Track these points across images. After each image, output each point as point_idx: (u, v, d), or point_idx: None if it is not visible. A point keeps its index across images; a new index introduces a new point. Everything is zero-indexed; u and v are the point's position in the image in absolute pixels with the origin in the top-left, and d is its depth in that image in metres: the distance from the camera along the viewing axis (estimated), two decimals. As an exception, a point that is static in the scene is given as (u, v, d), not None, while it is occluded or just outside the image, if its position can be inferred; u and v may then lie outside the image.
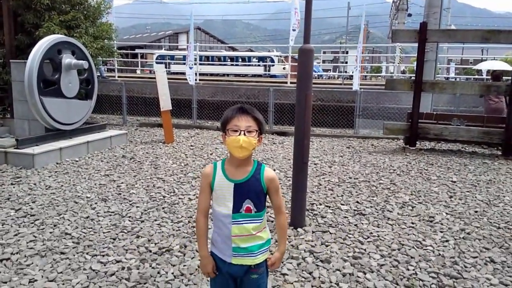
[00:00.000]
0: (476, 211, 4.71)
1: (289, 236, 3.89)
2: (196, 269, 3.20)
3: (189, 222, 4.19)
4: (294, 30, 12.91)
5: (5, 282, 3.01)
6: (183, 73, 19.78)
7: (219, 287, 2.02)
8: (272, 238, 2.29)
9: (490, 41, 7.70)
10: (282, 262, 3.34)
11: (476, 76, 22.01)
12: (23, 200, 4.84)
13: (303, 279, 3.14)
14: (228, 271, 1.95)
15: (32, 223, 4.17)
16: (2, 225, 4.10)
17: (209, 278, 2.08)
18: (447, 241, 3.88)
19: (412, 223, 4.30)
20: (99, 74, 15.08)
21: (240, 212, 1.89)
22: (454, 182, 5.91)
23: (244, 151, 1.85)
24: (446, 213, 4.63)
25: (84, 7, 9.88)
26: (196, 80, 14.15)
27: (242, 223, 1.89)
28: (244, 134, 1.83)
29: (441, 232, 4.09)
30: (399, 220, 4.37)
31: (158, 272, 3.19)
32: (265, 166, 1.97)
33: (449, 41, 9.80)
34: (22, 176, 5.87)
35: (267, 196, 1.99)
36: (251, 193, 1.90)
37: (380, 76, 25.64)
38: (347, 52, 29.86)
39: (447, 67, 25.58)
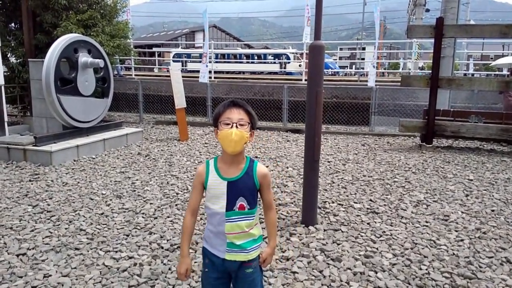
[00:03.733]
0: (493, 210, 4.61)
1: (300, 234, 3.88)
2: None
3: (201, 219, 4.22)
4: (308, 26, 12.85)
5: (21, 277, 3.09)
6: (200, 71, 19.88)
7: (208, 286, 2.02)
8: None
9: (509, 35, 7.49)
10: (293, 260, 3.34)
11: (497, 72, 21.53)
12: (40, 197, 4.95)
13: (313, 277, 3.13)
14: (222, 265, 1.95)
15: (48, 219, 4.26)
16: (20, 221, 4.20)
17: (202, 278, 2.06)
18: (461, 240, 3.81)
19: (426, 222, 4.24)
20: (116, 73, 15.26)
21: (234, 210, 1.89)
22: (471, 180, 5.80)
23: (237, 145, 1.83)
24: (462, 212, 4.55)
25: (100, 6, 10.01)
26: (211, 78, 14.18)
27: (235, 221, 1.90)
28: (236, 127, 1.83)
29: (456, 231, 4.02)
30: (413, 219, 4.32)
31: (169, 269, 3.23)
32: (258, 162, 1.96)
33: (466, 37, 9.57)
34: (40, 173, 6.00)
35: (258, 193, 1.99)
36: (244, 191, 1.90)
37: (396, 72, 25.29)
38: (364, 49, 29.55)
39: (467, 63, 25.12)
